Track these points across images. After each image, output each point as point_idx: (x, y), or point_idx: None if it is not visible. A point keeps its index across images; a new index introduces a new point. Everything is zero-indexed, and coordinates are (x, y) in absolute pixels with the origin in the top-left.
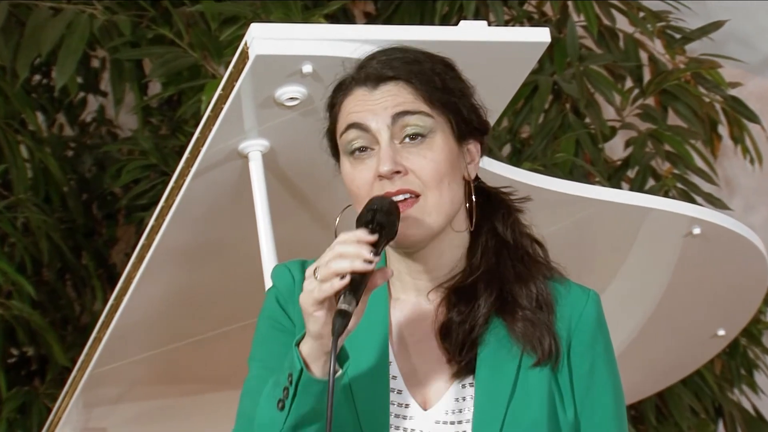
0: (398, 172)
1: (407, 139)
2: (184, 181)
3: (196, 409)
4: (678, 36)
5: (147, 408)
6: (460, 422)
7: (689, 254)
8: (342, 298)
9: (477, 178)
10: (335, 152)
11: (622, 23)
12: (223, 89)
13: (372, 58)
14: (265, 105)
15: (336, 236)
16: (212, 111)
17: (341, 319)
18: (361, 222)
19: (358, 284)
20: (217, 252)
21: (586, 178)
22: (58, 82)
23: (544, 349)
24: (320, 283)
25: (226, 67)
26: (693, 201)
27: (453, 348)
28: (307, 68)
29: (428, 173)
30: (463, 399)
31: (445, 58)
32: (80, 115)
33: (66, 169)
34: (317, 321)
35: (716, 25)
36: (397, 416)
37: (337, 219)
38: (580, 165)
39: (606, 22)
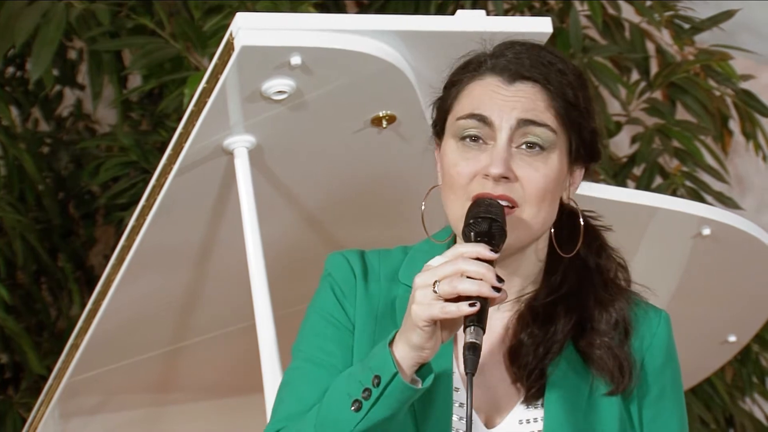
0: (506, 178)
1: (524, 146)
2: (166, 179)
3: (179, 420)
4: (687, 26)
5: (127, 418)
6: None
7: (698, 256)
8: (472, 329)
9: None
10: (438, 126)
11: (628, 12)
12: (207, 82)
13: (509, 46)
14: (251, 99)
15: (423, 220)
16: (196, 105)
17: (473, 354)
18: (475, 228)
19: (485, 312)
20: (200, 254)
21: (589, 176)
22: (32, 75)
23: (624, 379)
24: (441, 301)
25: (211, 59)
26: (702, 200)
27: (521, 372)
28: (295, 60)
29: (534, 187)
30: (527, 421)
31: (579, 70)
32: (56, 110)
33: (41, 166)
34: (423, 335)
35: (727, 15)
36: (458, 431)
37: (423, 204)
38: None
39: (611, 11)
